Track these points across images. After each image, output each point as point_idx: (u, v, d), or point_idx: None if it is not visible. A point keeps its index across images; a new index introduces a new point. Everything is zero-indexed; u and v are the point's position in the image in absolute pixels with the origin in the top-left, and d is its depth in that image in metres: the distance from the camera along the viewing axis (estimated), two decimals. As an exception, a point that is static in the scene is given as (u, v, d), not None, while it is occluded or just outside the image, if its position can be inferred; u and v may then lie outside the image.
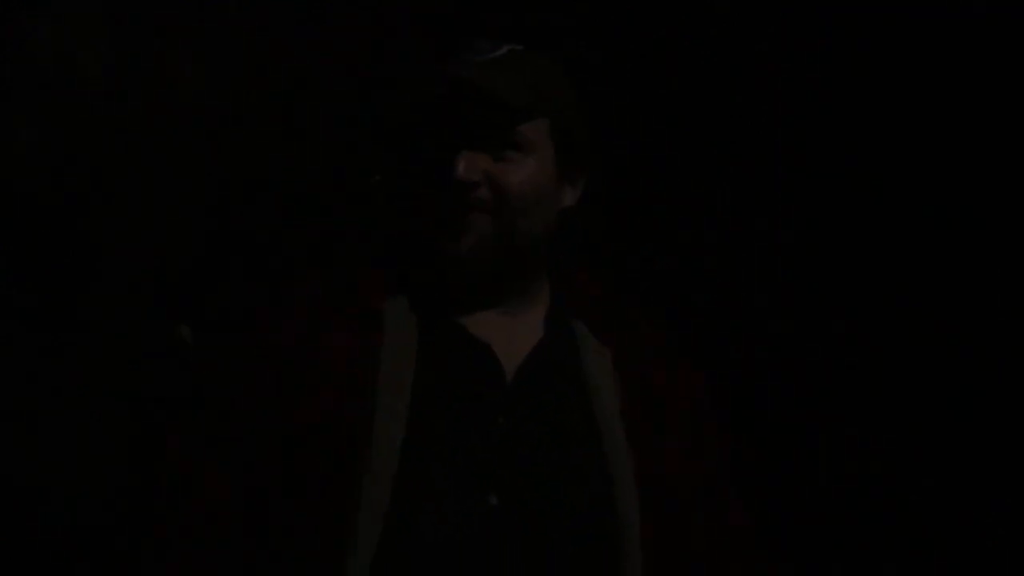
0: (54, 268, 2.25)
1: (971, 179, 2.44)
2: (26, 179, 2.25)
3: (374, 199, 2.25)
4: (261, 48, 2.34)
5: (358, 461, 1.48)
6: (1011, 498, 2.37)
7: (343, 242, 1.66)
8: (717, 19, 2.51)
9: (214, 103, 2.31)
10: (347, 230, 2.15)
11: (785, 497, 2.33)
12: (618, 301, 1.72)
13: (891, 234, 2.46)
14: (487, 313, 1.61)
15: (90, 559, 2.20)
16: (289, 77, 2.34)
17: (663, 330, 1.72)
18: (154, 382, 2.24)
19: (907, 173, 2.47)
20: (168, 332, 2.24)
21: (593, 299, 1.70)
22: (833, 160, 2.49)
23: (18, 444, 2.22)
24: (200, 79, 2.31)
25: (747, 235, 2.50)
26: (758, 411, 2.39)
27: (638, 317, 1.71)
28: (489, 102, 1.54)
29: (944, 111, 2.45)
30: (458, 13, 2.37)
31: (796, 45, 2.48)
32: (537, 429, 1.55)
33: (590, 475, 1.54)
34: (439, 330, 1.58)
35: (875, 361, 2.45)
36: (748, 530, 1.67)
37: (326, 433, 1.49)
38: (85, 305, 2.26)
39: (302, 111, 2.35)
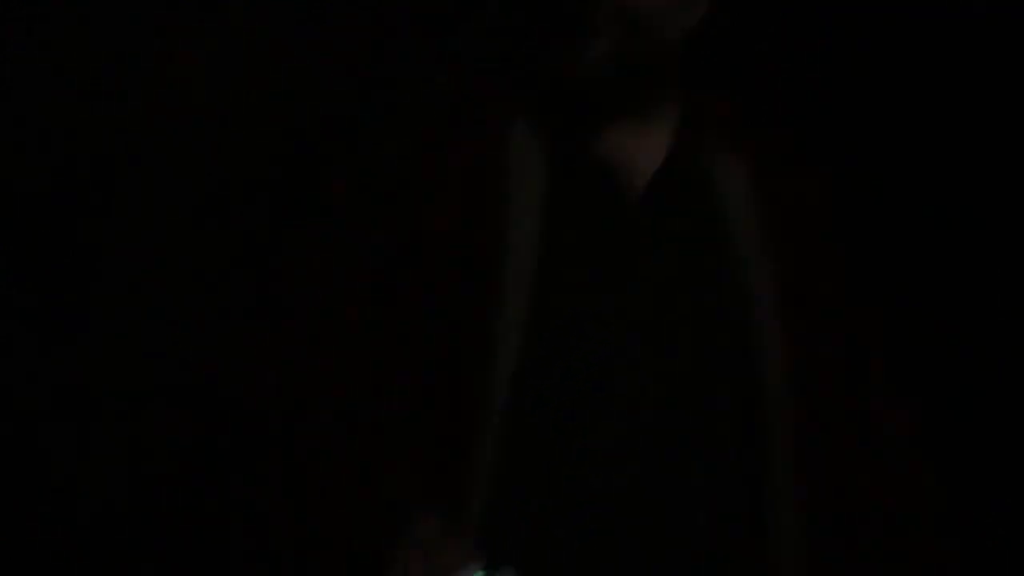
0: (54, 268, 2.25)
1: (971, 179, 2.44)
2: (26, 179, 2.25)
3: (490, 22, 2.19)
4: (261, 48, 2.34)
5: (493, 273, 1.45)
6: (1011, 497, 2.37)
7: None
8: (717, 19, 2.51)
9: (214, 103, 2.31)
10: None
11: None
12: (749, 118, 1.68)
13: (891, 234, 2.46)
14: (613, 131, 1.56)
15: (90, 559, 2.19)
16: (289, 77, 2.34)
17: (793, 142, 1.69)
18: (155, 381, 2.24)
19: (907, 173, 2.47)
20: (170, 328, 2.24)
21: (724, 118, 1.65)
22: (833, 160, 2.48)
23: (18, 444, 2.22)
24: (200, 79, 2.31)
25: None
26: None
27: (769, 132, 1.68)
28: None
29: (944, 111, 2.45)
30: (458, 13, 2.36)
31: (796, 45, 2.48)
32: (669, 249, 1.52)
33: (725, 294, 1.52)
34: (565, 150, 1.54)
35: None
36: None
37: (458, 246, 1.47)
38: (85, 305, 2.26)
39: (302, 111, 2.35)
